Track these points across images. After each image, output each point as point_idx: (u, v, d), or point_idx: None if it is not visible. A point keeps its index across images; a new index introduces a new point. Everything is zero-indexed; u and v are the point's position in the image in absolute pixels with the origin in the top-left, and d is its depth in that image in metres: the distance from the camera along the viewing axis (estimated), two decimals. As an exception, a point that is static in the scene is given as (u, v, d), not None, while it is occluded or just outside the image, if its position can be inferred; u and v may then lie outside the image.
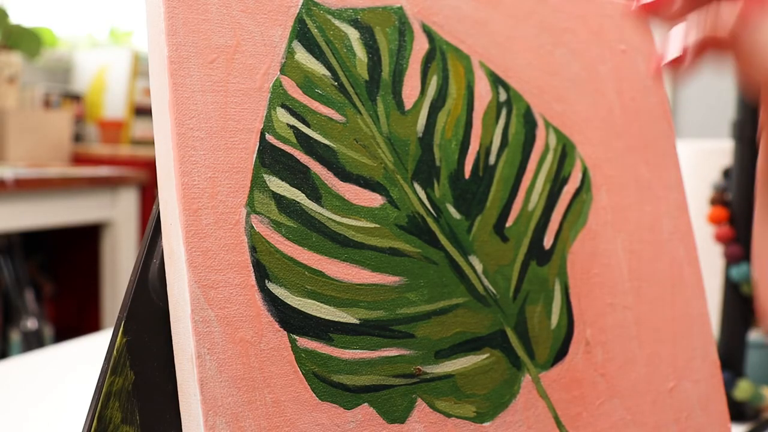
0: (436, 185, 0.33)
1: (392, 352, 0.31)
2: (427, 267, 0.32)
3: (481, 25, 0.36)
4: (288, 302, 0.29)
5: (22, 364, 0.68)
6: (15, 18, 1.83)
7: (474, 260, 0.34)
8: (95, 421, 0.28)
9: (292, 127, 0.30)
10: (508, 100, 0.36)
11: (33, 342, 1.71)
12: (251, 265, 0.28)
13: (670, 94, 1.77)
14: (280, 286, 0.29)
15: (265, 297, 0.28)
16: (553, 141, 0.37)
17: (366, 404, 0.30)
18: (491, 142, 0.35)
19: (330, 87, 0.31)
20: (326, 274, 0.30)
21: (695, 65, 0.28)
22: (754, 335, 0.66)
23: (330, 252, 0.30)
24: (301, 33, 0.31)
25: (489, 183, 0.35)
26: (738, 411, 0.59)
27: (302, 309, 0.29)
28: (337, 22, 0.32)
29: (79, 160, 1.95)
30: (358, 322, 0.30)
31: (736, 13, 0.25)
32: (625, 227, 0.39)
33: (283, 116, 0.30)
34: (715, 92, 1.69)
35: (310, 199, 0.30)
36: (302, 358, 0.29)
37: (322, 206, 0.30)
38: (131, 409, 0.28)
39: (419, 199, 0.33)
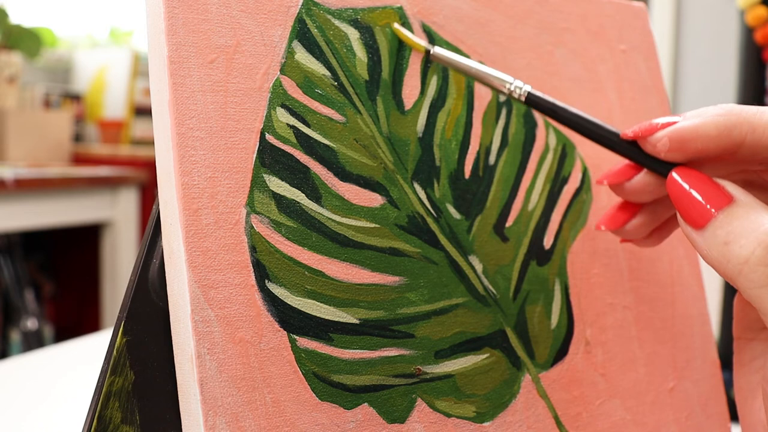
0: (436, 185, 0.33)
1: (392, 352, 0.31)
2: (427, 267, 0.32)
3: (481, 25, 0.36)
4: (288, 302, 0.29)
5: (22, 364, 0.68)
6: (15, 18, 1.83)
7: (474, 260, 0.34)
8: (95, 421, 0.28)
9: (292, 127, 0.30)
10: (508, 100, 0.36)
11: (33, 342, 1.71)
12: (251, 265, 0.28)
13: (670, 94, 1.77)
14: (280, 286, 0.29)
15: (265, 297, 0.28)
16: (553, 141, 0.37)
17: (366, 404, 0.30)
18: (491, 142, 0.35)
19: (330, 87, 0.31)
20: (326, 274, 0.30)
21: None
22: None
23: (330, 252, 0.30)
24: (301, 33, 0.31)
25: (489, 183, 0.35)
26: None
27: (302, 309, 0.29)
28: (337, 22, 0.32)
29: (79, 160, 1.95)
30: (358, 322, 0.30)
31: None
32: (625, 227, 0.39)
33: (283, 116, 0.30)
34: (715, 92, 1.69)
35: (310, 199, 0.30)
36: (302, 358, 0.29)
37: (322, 206, 0.30)
38: (131, 409, 0.29)
39: (419, 199, 0.33)
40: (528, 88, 0.31)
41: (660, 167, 0.30)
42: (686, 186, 0.28)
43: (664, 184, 0.30)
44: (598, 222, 0.33)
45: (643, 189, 0.31)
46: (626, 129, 0.30)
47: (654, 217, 0.32)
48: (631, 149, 0.30)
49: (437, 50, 0.33)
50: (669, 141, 0.28)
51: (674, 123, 0.29)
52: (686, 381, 0.39)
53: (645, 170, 0.30)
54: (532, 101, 0.31)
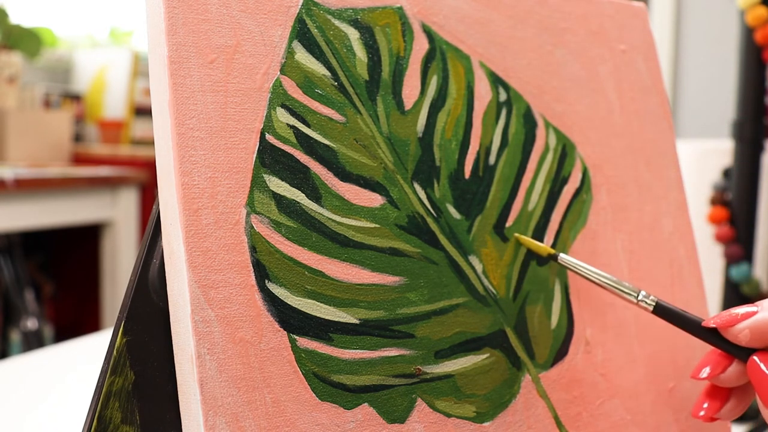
0: (436, 185, 0.33)
1: (392, 352, 0.31)
2: (427, 267, 0.32)
3: (481, 25, 0.36)
4: (288, 302, 0.29)
5: (22, 364, 0.68)
6: (15, 18, 1.83)
7: (474, 260, 0.34)
8: (95, 421, 0.28)
9: (292, 127, 0.30)
10: (508, 100, 0.36)
11: (33, 342, 1.71)
12: (251, 265, 0.28)
13: (670, 94, 1.77)
14: (280, 286, 0.29)
15: (265, 297, 0.28)
16: (553, 141, 0.37)
17: (366, 404, 0.30)
18: (491, 142, 0.35)
19: (330, 87, 0.31)
20: (326, 274, 0.30)
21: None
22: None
23: (330, 252, 0.30)
24: (301, 33, 0.31)
25: (489, 183, 0.35)
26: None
27: (302, 309, 0.29)
28: (337, 22, 0.32)
29: (79, 160, 1.95)
30: (358, 322, 0.30)
31: None
32: (625, 227, 0.39)
33: (283, 116, 0.30)
34: (715, 92, 1.69)
35: (310, 199, 0.30)
36: (302, 358, 0.29)
37: (322, 206, 0.30)
38: (131, 409, 0.28)
39: (419, 199, 0.33)
40: (653, 299, 0.33)
41: (740, 352, 0.31)
42: (767, 372, 0.29)
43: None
44: (694, 410, 0.33)
45: (738, 377, 0.31)
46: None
47: (745, 397, 0.33)
48: (713, 335, 0.32)
49: (563, 257, 0.34)
50: (750, 332, 0.30)
51: (753, 313, 0.30)
52: (686, 381, 0.39)
53: (736, 360, 0.31)
54: (660, 310, 0.33)
